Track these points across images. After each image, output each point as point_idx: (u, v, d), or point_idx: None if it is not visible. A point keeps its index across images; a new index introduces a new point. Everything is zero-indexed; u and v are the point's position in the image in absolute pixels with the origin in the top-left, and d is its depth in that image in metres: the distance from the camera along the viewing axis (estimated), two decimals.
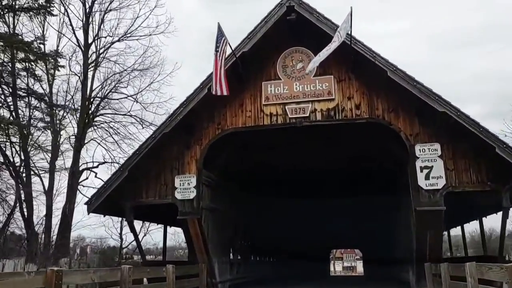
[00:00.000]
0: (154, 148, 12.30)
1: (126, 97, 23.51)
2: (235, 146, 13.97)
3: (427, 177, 11.11)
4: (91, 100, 23.42)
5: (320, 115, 12.02)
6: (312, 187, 20.13)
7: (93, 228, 41.41)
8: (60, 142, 22.63)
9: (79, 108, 22.85)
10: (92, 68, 23.55)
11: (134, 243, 20.68)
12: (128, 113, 23.22)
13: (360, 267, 68.54)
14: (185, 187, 12.30)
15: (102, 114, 23.81)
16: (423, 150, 11.29)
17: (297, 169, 17.13)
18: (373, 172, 16.76)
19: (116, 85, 23.54)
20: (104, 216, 15.75)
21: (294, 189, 19.98)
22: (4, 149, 21.10)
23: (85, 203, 12.84)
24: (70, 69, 23.30)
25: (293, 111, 12.15)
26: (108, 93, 23.60)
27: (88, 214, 12.97)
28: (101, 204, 12.58)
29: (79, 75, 23.27)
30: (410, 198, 11.69)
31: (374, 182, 17.47)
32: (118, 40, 23.75)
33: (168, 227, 16.55)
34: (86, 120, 22.87)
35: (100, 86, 23.66)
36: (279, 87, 12.28)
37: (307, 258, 25.39)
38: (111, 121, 23.55)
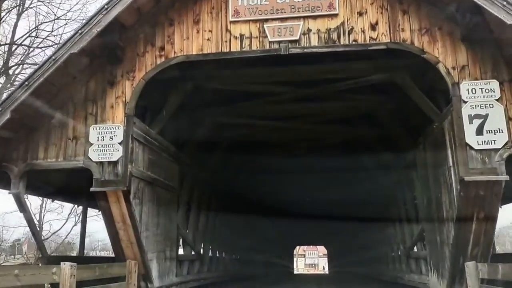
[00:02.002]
0: (56, 79, 7.83)
1: None
2: (190, 88, 9.74)
3: (479, 131, 7.24)
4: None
5: (317, 38, 7.92)
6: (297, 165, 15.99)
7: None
8: None
9: None
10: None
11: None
12: None
13: (323, 265, 65.76)
14: (106, 142, 7.91)
15: None
16: (473, 91, 7.42)
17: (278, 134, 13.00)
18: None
19: None
20: None
21: (275, 163, 15.57)
22: None
23: None
24: None
25: (276, 32, 7.98)
26: None
27: None
28: None
29: None
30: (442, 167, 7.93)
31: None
32: None
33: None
34: None
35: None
36: None
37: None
38: None
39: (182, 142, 11.43)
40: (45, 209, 21.23)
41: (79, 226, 15.50)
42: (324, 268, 67.67)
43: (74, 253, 28.75)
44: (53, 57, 7.62)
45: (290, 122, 12.28)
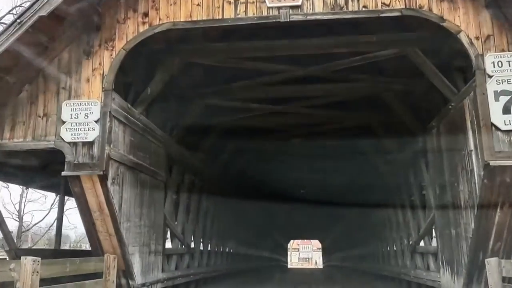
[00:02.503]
0: (23, 48, 6.82)
1: None
2: (179, 64, 8.76)
3: (506, 109, 6.36)
4: None
5: (321, 3, 6.97)
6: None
7: None
8: None
9: None
10: None
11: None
12: None
13: (317, 259, 65.12)
14: (80, 120, 6.94)
15: None
16: (500, 64, 6.53)
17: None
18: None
19: None
20: None
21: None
22: None
23: None
24: None
25: None
26: None
27: None
28: None
29: None
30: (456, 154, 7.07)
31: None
32: None
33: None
34: None
35: None
36: None
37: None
38: None
39: (170, 126, 10.48)
40: (26, 199, 20.11)
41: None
42: (316, 263, 67.07)
43: (67, 247, 27.67)
44: (19, 20, 6.61)
45: (288, 105, 11.32)
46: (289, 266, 51.12)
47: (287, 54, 8.60)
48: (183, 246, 11.52)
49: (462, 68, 7.83)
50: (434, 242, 10.03)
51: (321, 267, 52.35)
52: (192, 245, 12.82)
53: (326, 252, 51.42)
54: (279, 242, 43.50)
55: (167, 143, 9.85)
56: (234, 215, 18.22)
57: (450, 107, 7.62)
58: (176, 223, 11.12)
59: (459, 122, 7.21)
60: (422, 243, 10.64)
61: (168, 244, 11.02)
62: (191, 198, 12.38)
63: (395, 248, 13.79)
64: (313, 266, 56.33)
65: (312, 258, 70.54)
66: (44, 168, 9.11)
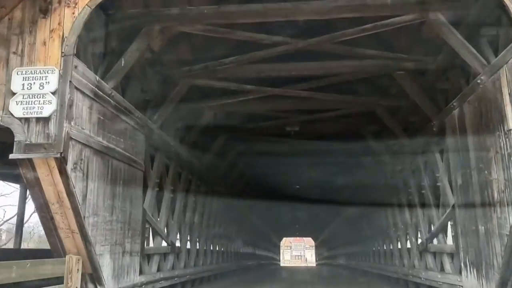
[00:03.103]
0: None
1: None
2: (158, 33, 7.49)
3: None
4: None
5: None
6: None
7: None
8: None
9: None
10: None
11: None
12: None
13: (309, 257, 64.09)
14: (34, 91, 5.65)
15: None
16: None
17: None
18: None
19: None
20: None
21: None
22: None
23: None
24: None
25: None
26: None
27: None
28: None
29: None
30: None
31: None
32: None
33: None
34: None
35: None
36: None
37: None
38: None
39: (152, 108, 9.22)
40: None
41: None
42: (306, 260, 66.06)
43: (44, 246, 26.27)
44: None
45: (284, 86, 10.09)
46: (281, 265, 50.05)
47: (283, 20, 7.36)
48: (167, 245, 10.28)
49: (492, 38, 6.69)
50: (449, 240, 8.92)
51: (314, 265, 51.38)
52: (179, 243, 11.61)
53: (319, 250, 50.45)
54: (272, 239, 42.37)
55: (148, 127, 8.58)
56: (225, 212, 17.01)
57: (478, 81, 6.44)
58: (158, 219, 9.86)
59: (492, 98, 6.04)
60: (435, 241, 9.49)
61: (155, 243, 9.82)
62: (177, 191, 11.12)
63: (399, 247, 12.67)
64: (305, 264, 55.17)
65: (305, 256, 69.49)
66: (2, 155, 7.80)
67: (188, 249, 12.48)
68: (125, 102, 7.52)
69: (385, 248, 14.61)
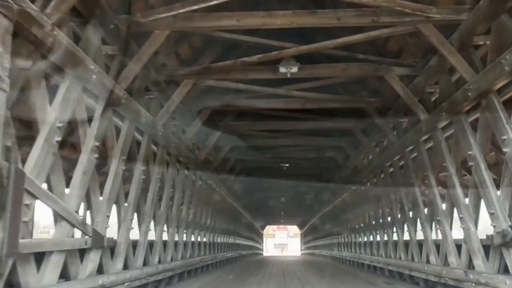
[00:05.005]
0: None
1: None
2: None
3: None
4: None
5: None
6: None
7: None
8: None
9: None
10: None
11: None
12: None
13: (293, 246, 62.07)
14: None
15: None
16: None
17: None
18: None
19: None
20: None
21: None
22: None
23: None
24: None
25: None
26: None
27: None
28: None
29: None
30: None
31: None
32: None
33: None
34: None
35: None
36: None
37: None
38: None
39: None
40: None
41: None
42: (288, 249, 64.31)
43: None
44: None
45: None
46: (264, 254, 48.05)
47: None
48: (88, 236, 5.99)
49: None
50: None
51: (299, 254, 49.53)
52: (139, 236, 8.66)
53: (305, 238, 48.57)
54: (254, 228, 40.19)
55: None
56: (201, 192, 14.43)
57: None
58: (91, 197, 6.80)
59: None
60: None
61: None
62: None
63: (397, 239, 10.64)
64: (289, 254, 53.12)
65: (288, 245, 67.65)
66: None
67: (135, 241, 8.35)
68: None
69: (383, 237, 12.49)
